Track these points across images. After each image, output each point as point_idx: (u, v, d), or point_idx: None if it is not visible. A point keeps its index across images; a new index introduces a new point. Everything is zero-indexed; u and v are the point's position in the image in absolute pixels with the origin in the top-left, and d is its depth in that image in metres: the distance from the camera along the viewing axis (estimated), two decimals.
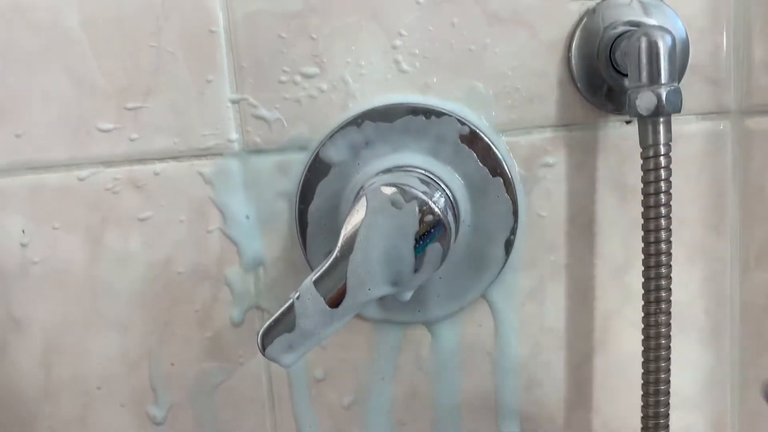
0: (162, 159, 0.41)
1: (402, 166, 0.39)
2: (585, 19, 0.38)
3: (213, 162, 0.41)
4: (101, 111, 0.40)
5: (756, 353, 0.41)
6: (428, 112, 0.38)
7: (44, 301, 0.43)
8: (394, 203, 0.33)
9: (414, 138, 0.38)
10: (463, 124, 0.38)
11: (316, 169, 0.39)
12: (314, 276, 0.34)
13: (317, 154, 0.39)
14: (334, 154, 0.39)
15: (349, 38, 0.39)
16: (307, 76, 0.39)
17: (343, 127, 0.39)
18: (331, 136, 0.39)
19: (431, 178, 0.38)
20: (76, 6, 0.39)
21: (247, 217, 0.41)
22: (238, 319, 0.42)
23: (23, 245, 0.42)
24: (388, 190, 0.34)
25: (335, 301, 0.33)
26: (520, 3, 0.38)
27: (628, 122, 0.39)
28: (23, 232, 0.42)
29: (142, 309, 0.42)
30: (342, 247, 0.34)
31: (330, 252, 0.35)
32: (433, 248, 0.33)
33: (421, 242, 0.34)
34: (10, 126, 0.41)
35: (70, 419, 0.44)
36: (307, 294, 0.33)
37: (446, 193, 0.38)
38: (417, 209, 0.33)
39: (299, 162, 0.40)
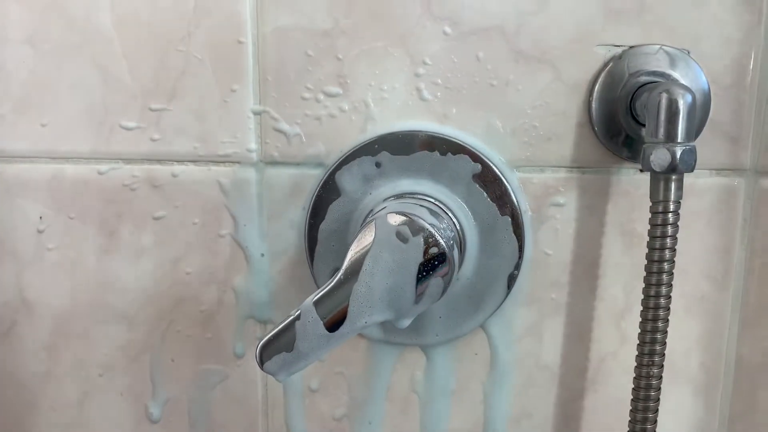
0: (181, 161, 0.42)
1: (413, 193, 0.39)
2: (610, 65, 0.38)
3: (230, 169, 0.41)
4: (126, 109, 0.41)
5: (746, 410, 0.42)
6: (443, 149, 0.39)
7: (55, 287, 0.44)
8: (400, 235, 0.33)
9: (428, 172, 0.39)
10: (476, 161, 0.39)
11: (330, 191, 0.40)
12: (316, 296, 0.35)
13: (333, 178, 0.40)
14: (349, 180, 0.39)
15: (374, 62, 0.39)
16: (329, 95, 0.40)
17: (359, 155, 0.39)
18: (348, 162, 0.39)
19: (441, 208, 0.38)
20: (110, 4, 0.40)
21: (259, 226, 0.42)
22: (241, 325, 0.43)
23: (39, 231, 0.43)
24: (396, 220, 0.34)
25: (334, 324, 0.34)
26: (547, 43, 0.38)
27: (641, 171, 0.40)
28: (40, 218, 0.43)
29: (148, 304, 0.44)
30: (347, 269, 0.35)
31: (336, 271, 0.36)
32: (435, 283, 0.34)
33: (423, 274, 0.34)
34: (37, 115, 0.42)
35: (70, 403, 0.45)
36: (308, 316, 0.34)
37: (454, 225, 0.38)
38: (422, 243, 0.33)
39: (314, 178, 0.41)
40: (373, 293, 0.33)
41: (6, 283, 0.44)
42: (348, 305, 0.34)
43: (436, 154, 0.39)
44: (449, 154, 0.39)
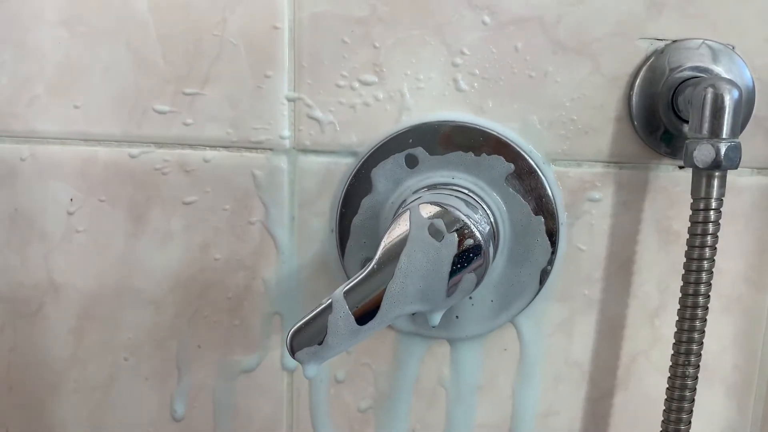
0: (213, 147, 0.41)
1: (447, 184, 0.39)
2: (652, 59, 0.38)
3: (263, 156, 0.41)
4: (159, 93, 0.41)
5: None
6: (478, 150, 0.38)
7: (83, 269, 0.44)
8: (434, 228, 0.33)
9: (462, 170, 0.39)
10: (510, 160, 0.38)
11: (363, 185, 0.40)
12: (347, 287, 0.34)
13: (367, 174, 0.40)
14: (383, 177, 0.39)
15: (410, 51, 0.39)
16: (365, 83, 0.39)
17: (393, 150, 0.39)
18: (382, 157, 0.39)
19: (475, 200, 0.38)
20: None
21: (290, 214, 0.41)
22: (269, 313, 0.43)
23: (70, 213, 0.43)
24: (430, 210, 0.34)
25: (364, 315, 0.34)
26: (588, 34, 0.38)
27: (681, 167, 0.39)
28: (71, 200, 0.43)
29: (176, 289, 0.43)
30: (379, 260, 0.35)
31: (367, 261, 0.35)
32: (468, 278, 0.34)
33: (458, 266, 0.34)
34: (70, 97, 0.42)
35: (95, 385, 0.45)
36: (339, 310, 0.34)
37: (488, 217, 0.38)
38: (456, 237, 0.33)
39: (347, 167, 0.40)
40: (407, 291, 0.33)
41: (35, 265, 0.44)
42: (381, 300, 0.34)
43: (471, 155, 0.39)
44: (483, 155, 0.38)
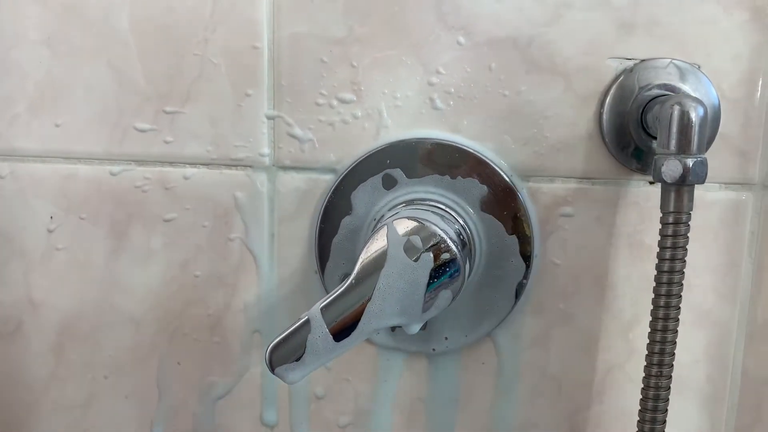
0: (193, 164, 0.42)
1: (425, 200, 0.40)
2: (622, 78, 0.39)
3: (243, 173, 0.42)
4: (140, 111, 0.41)
5: (752, 423, 0.42)
6: (453, 173, 0.39)
7: (63, 288, 0.44)
8: (411, 246, 0.34)
9: (439, 194, 0.40)
10: (484, 182, 0.39)
11: (342, 207, 0.40)
12: (325, 302, 0.35)
13: (346, 194, 0.40)
14: (362, 198, 0.40)
15: (388, 70, 0.40)
16: (343, 102, 0.40)
17: (370, 170, 0.40)
18: (361, 179, 0.40)
19: (452, 215, 0.39)
20: (128, 8, 0.40)
21: (269, 230, 0.42)
22: (249, 330, 0.43)
23: (50, 231, 0.43)
24: (407, 225, 0.35)
25: (342, 330, 0.34)
26: (560, 55, 0.39)
27: (651, 183, 0.40)
28: (51, 218, 0.43)
29: (156, 306, 0.44)
30: (357, 274, 0.35)
31: (346, 276, 0.36)
32: (444, 294, 0.34)
33: (434, 280, 0.35)
34: (51, 115, 0.42)
35: (74, 405, 0.45)
36: (317, 328, 0.34)
37: (465, 231, 0.38)
38: (432, 257, 0.34)
39: (326, 184, 0.41)
40: (384, 311, 0.34)
41: (14, 283, 0.44)
42: (359, 317, 0.34)
43: (447, 177, 0.40)
44: (459, 177, 0.39)
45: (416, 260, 0.34)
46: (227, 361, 0.44)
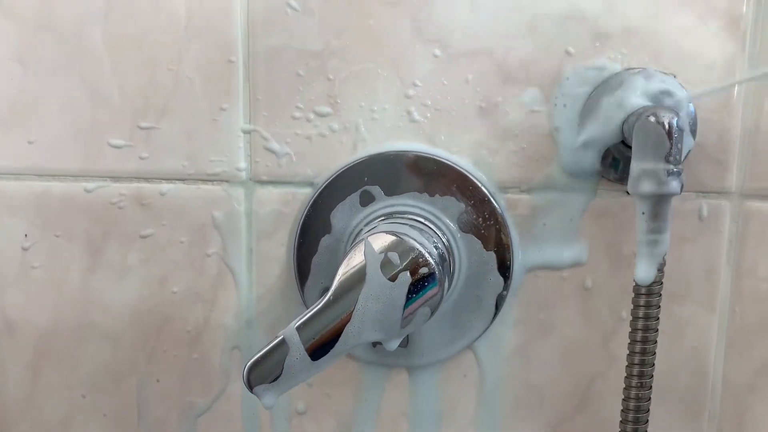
0: (169, 180, 0.41)
1: (404, 213, 0.39)
2: (599, 87, 0.39)
3: (219, 188, 0.41)
4: (115, 127, 0.41)
5: (733, 430, 0.42)
6: (432, 191, 0.39)
7: (39, 306, 0.43)
8: (389, 262, 0.34)
9: (418, 207, 0.40)
10: (461, 198, 0.39)
11: (321, 226, 0.40)
12: (301, 320, 0.34)
13: (325, 213, 0.40)
14: (341, 218, 0.40)
15: (364, 83, 0.39)
16: (320, 115, 0.40)
17: (350, 192, 0.40)
18: (339, 198, 0.40)
19: (431, 228, 0.38)
20: (101, 22, 0.40)
21: (247, 245, 0.42)
22: (228, 346, 0.43)
23: (24, 249, 0.43)
24: (385, 241, 0.34)
25: (319, 349, 0.34)
26: (537, 66, 0.39)
27: (628, 193, 0.40)
28: (26, 236, 0.43)
29: (134, 323, 0.43)
30: (335, 290, 0.35)
31: (326, 290, 0.35)
32: (422, 311, 0.34)
33: (413, 295, 0.34)
34: (24, 132, 0.41)
35: (52, 424, 0.44)
36: (295, 350, 0.34)
37: (444, 244, 0.38)
38: (410, 277, 0.34)
39: (304, 197, 0.41)
40: (363, 331, 0.34)
41: None
42: (337, 336, 0.34)
43: (425, 195, 0.39)
44: (437, 195, 0.39)
45: (394, 280, 0.34)
46: (207, 378, 0.43)
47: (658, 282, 0.36)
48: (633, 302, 0.36)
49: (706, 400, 0.42)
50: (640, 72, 0.38)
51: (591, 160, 0.39)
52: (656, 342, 0.36)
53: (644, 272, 0.35)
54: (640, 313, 0.36)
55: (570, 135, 0.39)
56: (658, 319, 0.36)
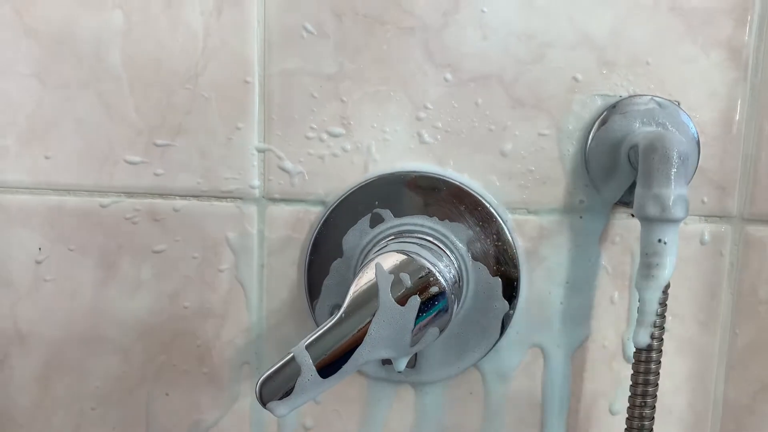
0: (183, 196, 0.42)
1: (414, 232, 0.40)
2: (604, 114, 0.40)
3: (233, 205, 0.42)
4: (130, 144, 0.42)
5: None
6: (441, 215, 0.40)
7: (51, 318, 0.44)
8: (399, 282, 0.35)
9: (428, 227, 0.41)
10: (468, 222, 0.40)
11: (332, 250, 0.41)
12: (312, 337, 0.35)
13: (337, 238, 0.41)
14: (353, 242, 0.41)
15: (377, 105, 0.40)
16: (333, 135, 0.41)
17: (361, 214, 0.41)
18: (351, 222, 0.41)
19: (439, 247, 0.39)
20: (120, 43, 0.41)
21: (259, 262, 0.42)
22: (238, 361, 0.43)
23: (38, 262, 0.43)
24: (396, 259, 0.35)
25: (329, 367, 0.34)
26: (545, 91, 0.40)
27: (633, 216, 0.41)
28: (39, 249, 0.43)
29: (145, 337, 0.44)
30: (347, 308, 0.35)
31: (336, 308, 0.36)
32: (431, 331, 0.35)
33: (422, 314, 0.35)
34: (41, 147, 0.42)
35: None
36: (306, 367, 0.34)
37: (453, 264, 0.39)
38: (419, 300, 0.35)
39: (316, 216, 0.41)
40: (374, 354, 0.35)
41: (0, 314, 0.44)
42: (348, 355, 0.35)
43: (435, 219, 0.40)
44: (446, 221, 0.40)
45: (404, 301, 0.34)
46: (216, 392, 0.44)
47: (662, 304, 0.36)
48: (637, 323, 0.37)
49: (708, 419, 0.42)
50: (645, 98, 0.39)
51: (614, 195, 0.40)
52: (660, 362, 0.37)
53: (641, 336, 0.36)
54: None
55: (578, 159, 0.40)
56: (662, 340, 0.37)
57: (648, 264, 0.36)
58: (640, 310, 0.36)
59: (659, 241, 0.36)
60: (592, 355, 0.42)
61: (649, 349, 0.37)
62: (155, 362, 0.44)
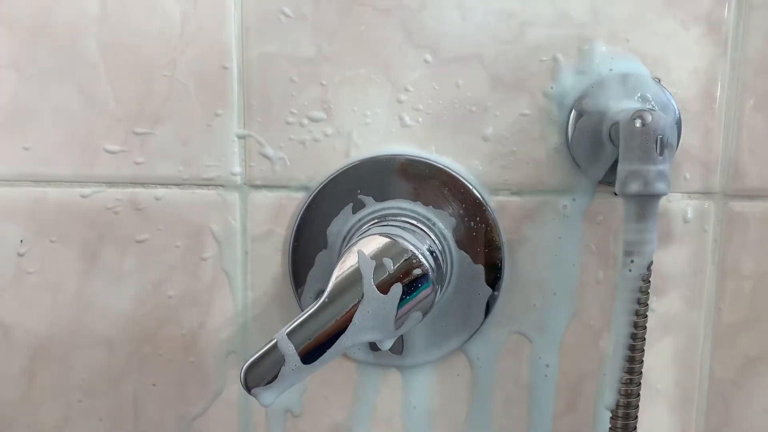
0: (165, 185, 0.42)
1: (398, 216, 0.40)
2: (586, 91, 0.40)
3: (214, 192, 0.42)
4: (110, 133, 0.41)
5: (720, 426, 0.43)
6: (425, 198, 0.40)
7: (34, 311, 0.43)
8: (382, 266, 0.34)
9: (410, 211, 0.41)
10: (453, 211, 0.40)
11: (317, 241, 0.41)
12: (295, 323, 0.35)
13: (322, 229, 0.41)
14: (337, 232, 0.40)
15: (357, 88, 0.40)
16: (313, 120, 0.41)
17: (345, 204, 0.40)
18: (334, 212, 0.41)
19: (422, 230, 0.39)
20: (96, 30, 0.40)
21: (242, 249, 0.42)
22: (223, 349, 0.43)
23: (20, 255, 0.43)
24: (379, 243, 0.35)
25: (314, 350, 0.34)
26: (526, 70, 0.40)
27: (615, 194, 0.41)
28: (21, 242, 0.43)
29: (130, 327, 0.43)
30: (331, 293, 0.35)
31: (320, 293, 0.36)
32: (414, 315, 0.35)
33: (406, 296, 0.35)
34: (20, 138, 0.42)
35: (48, 429, 0.45)
36: (291, 360, 0.34)
37: (437, 247, 0.39)
38: (401, 287, 0.35)
39: (299, 201, 0.41)
40: (357, 338, 0.35)
41: None
42: (332, 341, 0.34)
43: (419, 202, 0.40)
44: (430, 207, 0.40)
45: (387, 287, 0.34)
46: (203, 381, 0.44)
47: (647, 280, 0.36)
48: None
49: (694, 395, 0.43)
50: (625, 75, 0.39)
51: (597, 174, 0.40)
52: (645, 339, 0.37)
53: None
54: None
55: (560, 139, 0.40)
56: (647, 317, 0.37)
57: (630, 241, 0.36)
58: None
59: (642, 216, 0.36)
60: (579, 334, 0.42)
61: (634, 326, 0.37)
62: (141, 352, 0.44)
